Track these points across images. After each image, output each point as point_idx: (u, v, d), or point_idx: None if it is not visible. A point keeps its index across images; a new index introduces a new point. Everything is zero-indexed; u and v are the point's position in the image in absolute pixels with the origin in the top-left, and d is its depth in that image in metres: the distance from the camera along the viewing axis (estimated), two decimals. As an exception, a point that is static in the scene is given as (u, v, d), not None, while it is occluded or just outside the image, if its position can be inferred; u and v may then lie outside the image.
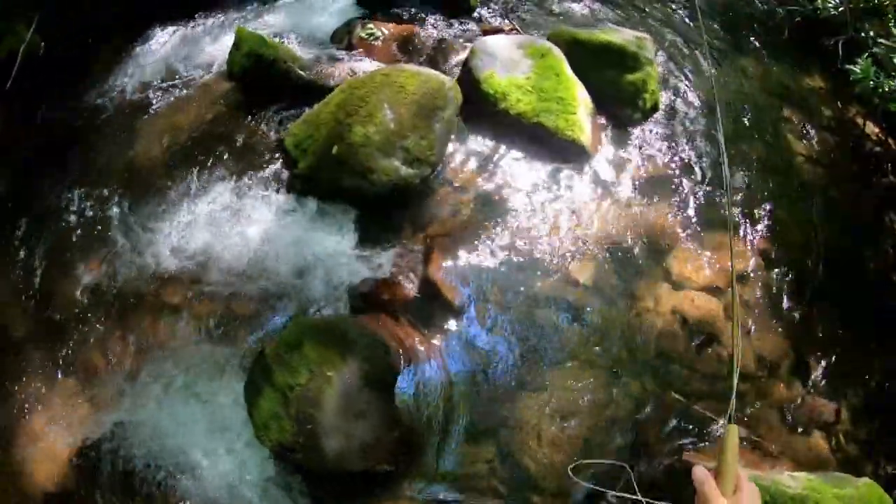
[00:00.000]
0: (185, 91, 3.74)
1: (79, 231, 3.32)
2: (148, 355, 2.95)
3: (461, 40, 3.82)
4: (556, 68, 3.40)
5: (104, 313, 3.08)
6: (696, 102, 3.97)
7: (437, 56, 3.69)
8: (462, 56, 3.65)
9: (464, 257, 3.03)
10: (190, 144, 3.50)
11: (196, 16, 4.15)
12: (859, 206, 3.82)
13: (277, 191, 3.28)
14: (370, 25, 3.74)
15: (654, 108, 3.75)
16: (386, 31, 3.73)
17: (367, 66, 3.59)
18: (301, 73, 3.43)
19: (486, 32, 3.84)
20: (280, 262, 3.10)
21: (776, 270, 3.38)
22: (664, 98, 3.84)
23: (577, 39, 3.65)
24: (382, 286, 2.94)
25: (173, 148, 3.50)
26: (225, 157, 3.44)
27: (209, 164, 3.42)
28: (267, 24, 4.03)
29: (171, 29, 4.08)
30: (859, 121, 4.21)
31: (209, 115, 3.63)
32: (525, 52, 3.43)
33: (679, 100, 3.92)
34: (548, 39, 3.74)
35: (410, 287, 2.94)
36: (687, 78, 4.04)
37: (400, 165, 3.04)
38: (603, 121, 3.66)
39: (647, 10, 4.48)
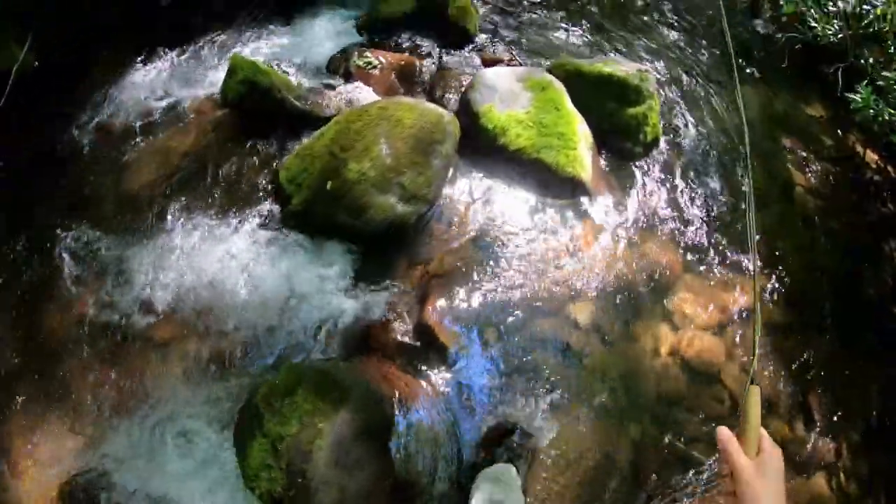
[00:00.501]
0: (178, 117, 3.66)
1: (67, 262, 3.23)
2: (137, 392, 2.87)
3: (461, 70, 3.76)
4: (557, 102, 3.34)
5: (93, 348, 2.99)
6: (697, 135, 3.93)
7: (435, 86, 3.63)
8: (461, 87, 3.60)
9: (461, 298, 2.95)
10: (183, 174, 3.42)
11: (192, 39, 4.08)
12: (858, 235, 3.77)
13: (271, 226, 3.20)
14: (367, 54, 3.68)
15: (656, 142, 3.70)
16: (383, 60, 3.66)
17: (363, 95, 3.53)
18: (296, 102, 3.35)
19: (485, 62, 3.79)
20: (273, 300, 3.02)
21: (775, 304, 3.32)
22: (665, 131, 3.79)
23: (579, 71, 3.60)
24: (377, 328, 2.86)
25: (166, 177, 3.42)
26: (218, 188, 3.36)
27: (202, 195, 3.34)
28: (263, 50, 3.96)
29: (167, 52, 4.01)
30: (859, 149, 4.18)
31: (202, 143, 3.55)
32: (525, 85, 3.38)
33: (680, 133, 3.87)
34: (549, 71, 3.69)
35: (405, 329, 2.86)
36: (688, 110, 3.99)
37: (396, 202, 2.97)
38: (604, 155, 3.61)
39: (648, 40, 4.44)
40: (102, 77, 3.98)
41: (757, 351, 1.27)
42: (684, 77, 4.24)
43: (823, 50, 4.30)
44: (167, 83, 3.88)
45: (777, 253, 3.49)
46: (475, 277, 3.05)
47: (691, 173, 3.71)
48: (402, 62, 3.68)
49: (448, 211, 3.17)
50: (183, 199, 3.34)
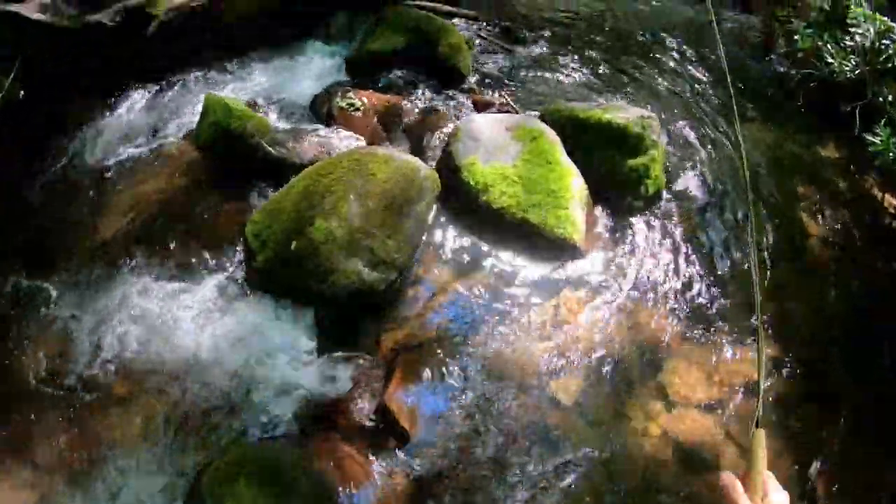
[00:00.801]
0: (153, 157, 3.50)
1: (28, 311, 3.09)
2: (94, 450, 2.71)
3: (449, 113, 3.51)
4: (548, 154, 3.07)
5: (52, 401, 2.84)
6: (703, 185, 3.61)
7: (421, 132, 3.38)
8: (448, 133, 3.36)
9: (430, 376, 2.70)
10: (151, 220, 3.25)
11: (177, 73, 3.92)
12: (877, 290, 3.39)
13: (236, 283, 3.01)
14: (350, 95, 3.45)
15: (658, 195, 3.39)
16: (367, 102, 3.43)
17: (343, 141, 3.30)
18: (269, 149, 3.15)
19: (477, 104, 3.54)
20: (233, 364, 2.82)
21: (781, 372, 2.98)
22: (669, 181, 3.49)
23: (575, 118, 3.32)
24: (339, 405, 2.63)
25: (134, 223, 3.25)
26: (187, 238, 3.18)
27: (169, 244, 3.16)
28: (248, 86, 3.79)
29: (150, 85, 3.87)
30: (877, 193, 3.84)
31: (174, 188, 3.38)
32: (513, 135, 3.11)
33: (685, 183, 3.56)
34: (543, 115, 3.43)
35: (368, 409, 2.63)
36: (694, 157, 3.69)
37: (363, 268, 2.73)
38: (601, 210, 3.32)
39: (653, 80, 4.15)
40: (85, 110, 3.85)
41: (762, 393, 1.20)
42: (691, 120, 3.94)
43: (840, 87, 4.01)
44: (147, 119, 3.73)
45: (787, 314, 3.16)
46: (448, 351, 2.80)
47: (695, 229, 3.39)
48: (387, 104, 3.45)
49: (424, 274, 2.92)
50: (150, 247, 3.16)
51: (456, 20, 4.07)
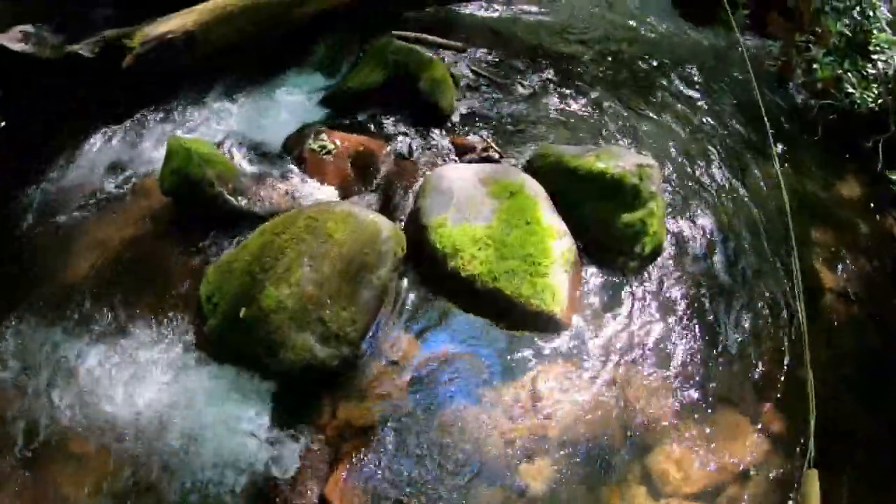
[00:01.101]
0: (121, 197, 3.33)
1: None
2: None
3: (427, 157, 3.24)
4: (527, 212, 2.78)
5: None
6: (707, 240, 3.28)
7: (395, 179, 3.13)
8: (423, 176, 3.11)
9: (383, 462, 2.45)
10: (110, 270, 3.07)
11: (150, 107, 3.71)
12: None
13: (189, 345, 2.81)
14: (323, 136, 3.21)
15: (656, 253, 3.06)
16: (339, 144, 3.18)
17: (311, 189, 3.08)
18: (230, 199, 2.95)
19: (457, 147, 3.26)
20: (179, 431, 2.63)
21: (799, 437, 2.64)
22: (668, 238, 3.15)
23: (565, 166, 3.03)
24: (284, 488, 2.41)
25: (93, 271, 3.08)
26: (144, 291, 3.00)
27: (127, 298, 2.98)
28: (221, 123, 3.57)
29: (123, 121, 3.66)
30: None
31: (137, 234, 3.19)
32: (490, 190, 2.83)
33: (687, 238, 3.22)
34: (530, 161, 3.14)
35: (311, 496, 2.42)
36: (699, 206, 3.34)
37: (315, 343, 2.50)
38: (589, 271, 3.01)
39: (656, 116, 3.81)
40: (59, 143, 3.70)
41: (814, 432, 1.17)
42: (697, 160, 3.59)
43: (861, 119, 3.75)
44: (118, 155, 3.54)
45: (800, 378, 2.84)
46: (406, 433, 2.54)
47: (695, 292, 3.06)
48: (361, 147, 3.20)
49: (384, 348, 2.67)
50: (108, 299, 2.99)
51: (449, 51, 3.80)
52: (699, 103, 3.95)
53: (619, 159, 3.03)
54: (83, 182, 3.48)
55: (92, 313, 2.97)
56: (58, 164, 3.61)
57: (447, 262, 2.66)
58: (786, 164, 3.74)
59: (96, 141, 3.63)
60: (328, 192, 3.11)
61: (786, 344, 3.00)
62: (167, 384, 2.75)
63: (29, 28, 4.12)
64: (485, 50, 4.00)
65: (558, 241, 2.76)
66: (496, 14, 4.48)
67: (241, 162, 3.34)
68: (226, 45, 3.68)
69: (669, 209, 3.28)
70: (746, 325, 3.04)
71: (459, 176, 2.86)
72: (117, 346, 2.87)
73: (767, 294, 3.15)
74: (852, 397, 2.94)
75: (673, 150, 3.59)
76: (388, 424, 2.57)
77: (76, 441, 2.66)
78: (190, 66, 3.69)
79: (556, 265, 2.70)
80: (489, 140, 3.26)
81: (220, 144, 3.42)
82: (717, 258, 3.19)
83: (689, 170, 3.52)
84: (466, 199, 2.77)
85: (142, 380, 2.77)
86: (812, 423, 1.02)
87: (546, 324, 2.69)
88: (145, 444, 2.60)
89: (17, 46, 4.05)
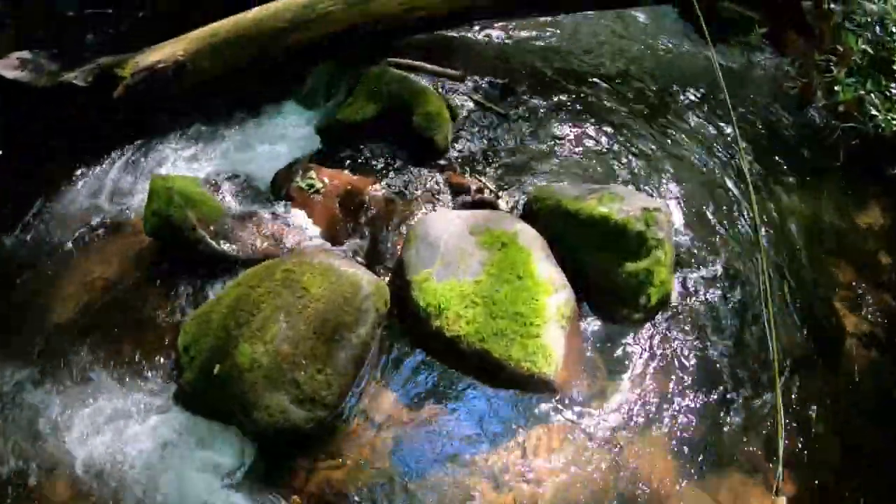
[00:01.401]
0: (104, 236, 3.23)
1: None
2: None
3: (419, 198, 3.07)
4: (520, 266, 2.58)
5: None
6: (719, 286, 3.04)
7: (383, 222, 2.96)
8: (413, 219, 2.93)
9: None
10: (88, 313, 2.98)
11: (141, 139, 3.61)
12: None
13: (167, 397, 2.71)
14: (311, 174, 3.07)
15: (663, 303, 2.85)
16: (328, 183, 3.03)
17: (296, 232, 2.93)
18: (212, 243, 2.83)
19: (452, 186, 3.08)
20: (145, 491, 2.51)
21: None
22: (677, 286, 2.94)
23: (564, 209, 2.83)
24: (253, 561, 2.32)
25: (71, 314, 2.98)
26: (122, 337, 2.89)
27: (103, 343, 2.87)
28: (209, 157, 3.45)
29: (112, 153, 3.57)
30: None
31: (121, 275, 3.08)
32: (479, 240, 2.64)
33: (697, 285, 2.99)
34: (528, 203, 2.95)
35: (283, 571, 2.30)
36: (710, 250, 3.11)
37: (289, 405, 2.35)
38: (588, 325, 2.82)
39: (666, 148, 3.57)
40: (49, 174, 3.62)
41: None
42: (711, 198, 3.36)
43: (886, 143, 3.47)
44: (106, 190, 3.45)
45: (813, 446, 2.60)
46: (384, 500, 2.38)
47: (703, 347, 2.83)
48: (350, 187, 3.05)
49: (363, 410, 2.50)
50: (83, 342, 2.89)
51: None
52: (713, 130, 3.72)
53: (623, 202, 2.82)
54: (68, 217, 3.39)
55: (67, 357, 2.87)
56: (44, 197, 3.52)
57: (431, 321, 2.48)
58: (805, 194, 3.52)
59: (84, 173, 3.55)
60: (314, 235, 2.96)
61: (805, 406, 2.78)
62: (139, 437, 2.63)
63: (26, 54, 4.09)
64: (485, 76, 3.80)
65: (554, 295, 2.57)
66: (498, 37, 4.29)
67: (228, 199, 3.22)
68: (216, 73, 3.56)
69: (678, 253, 3.06)
70: (760, 381, 2.82)
71: (447, 225, 2.68)
72: (90, 394, 2.76)
73: (783, 349, 2.92)
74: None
75: (684, 184, 3.37)
76: (367, 490, 2.41)
77: (38, 493, 2.59)
78: (179, 95, 3.60)
79: (550, 323, 2.50)
80: (484, 181, 3.07)
81: (206, 180, 3.31)
82: (729, 308, 2.96)
83: (701, 207, 3.29)
84: (454, 251, 2.60)
85: (113, 431, 2.65)
86: (780, 449, 0.94)
87: (538, 385, 2.50)
88: (109, 498, 2.52)
89: (12, 74, 4.02)
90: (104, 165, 3.61)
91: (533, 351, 2.45)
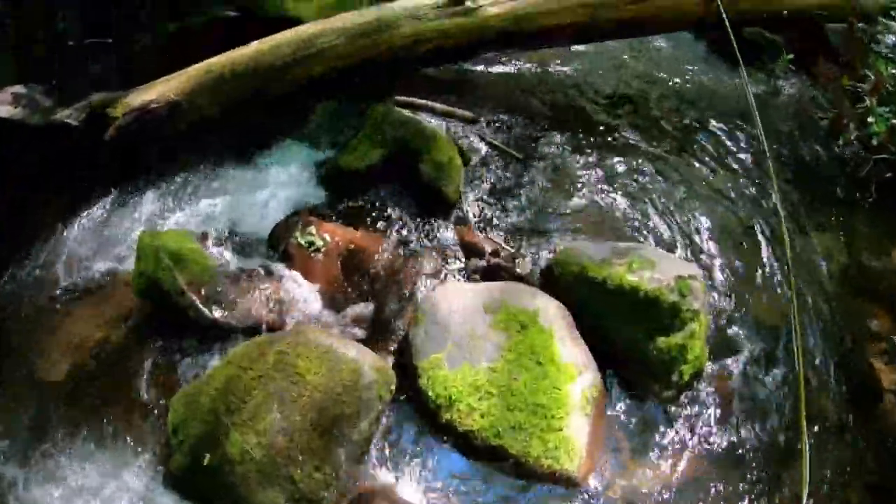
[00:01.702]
0: (92, 294, 3.00)
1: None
2: None
3: (427, 260, 2.82)
4: (540, 351, 2.33)
5: None
6: (757, 363, 2.75)
7: (388, 286, 2.72)
8: (422, 288, 2.69)
9: None
10: (73, 380, 2.75)
11: (132, 184, 3.38)
12: None
13: (153, 479, 2.50)
14: (311, 230, 2.84)
15: (696, 378, 2.59)
16: (329, 240, 2.80)
17: (295, 296, 2.69)
18: (203, 309, 2.61)
19: (465, 247, 2.83)
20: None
21: None
22: (713, 356, 2.67)
23: (590, 277, 2.57)
24: None
25: (54, 381, 2.76)
26: (108, 408, 2.67)
27: (87, 415, 2.64)
28: (203, 207, 3.21)
29: (103, 199, 3.35)
30: None
31: (107, 339, 2.85)
32: (496, 319, 2.39)
33: (734, 357, 2.70)
34: (549, 267, 2.70)
35: None
36: (747, 320, 2.83)
37: (284, 503, 2.18)
38: (615, 405, 2.56)
39: (698, 192, 3.30)
40: (38, 221, 3.44)
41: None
42: (744, 251, 3.08)
43: None
44: (94, 241, 3.20)
45: None
46: None
47: (738, 426, 2.55)
48: (352, 245, 2.82)
49: (365, 505, 2.32)
50: (66, 413, 2.67)
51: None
52: (743, 165, 3.47)
53: (655, 269, 2.55)
54: (54, 270, 3.13)
55: (46, 429, 2.64)
56: (28, 244, 3.30)
57: (441, 413, 2.25)
58: (838, 234, 3.26)
59: (73, 219, 3.30)
60: (313, 300, 2.73)
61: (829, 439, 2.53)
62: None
63: (21, 89, 3.86)
64: (500, 115, 3.55)
65: (578, 379, 2.32)
66: (512, 71, 4.03)
67: (222, 255, 2.97)
68: (212, 112, 3.32)
69: (714, 321, 2.79)
70: (793, 465, 2.56)
71: (460, 301, 2.43)
72: (71, 471, 2.53)
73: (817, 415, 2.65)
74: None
75: (716, 233, 3.10)
76: None
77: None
78: (174, 135, 3.37)
79: (573, 413, 2.26)
80: (499, 241, 2.83)
81: (200, 232, 3.08)
82: (763, 377, 2.69)
83: (733, 261, 3.02)
84: (467, 333, 2.35)
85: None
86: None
87: (558, 480, 2.26)
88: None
89: (5, 110, 3.82)
90: (95, 209, 3.37)
91: (554, 446, 2.20)
